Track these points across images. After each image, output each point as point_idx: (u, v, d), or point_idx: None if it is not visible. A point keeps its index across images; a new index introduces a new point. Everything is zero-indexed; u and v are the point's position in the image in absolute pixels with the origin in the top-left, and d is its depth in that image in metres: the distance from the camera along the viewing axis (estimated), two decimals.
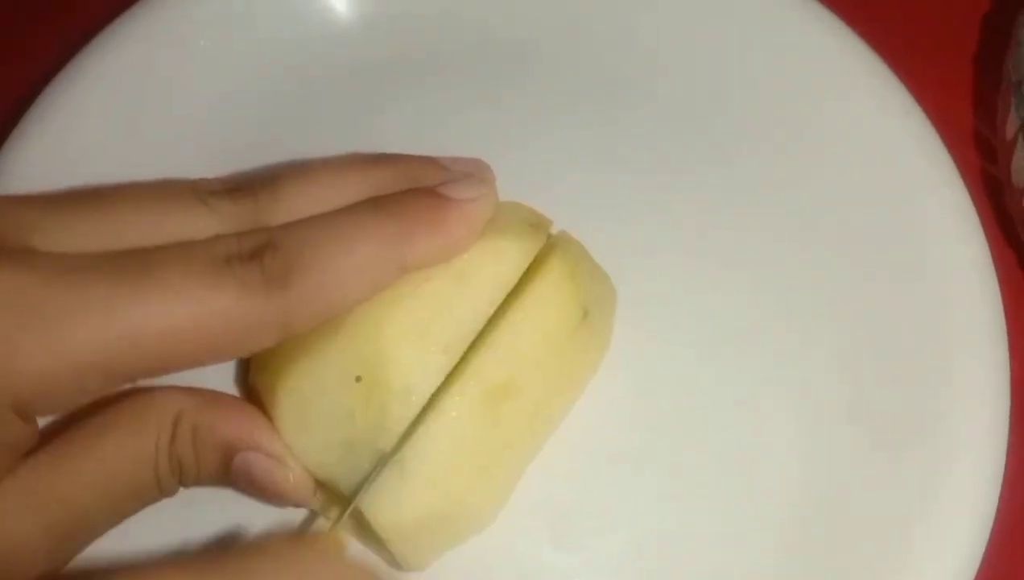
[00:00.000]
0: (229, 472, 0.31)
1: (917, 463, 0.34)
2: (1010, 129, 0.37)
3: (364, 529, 0.31)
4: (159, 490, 0.31)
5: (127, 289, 0.27)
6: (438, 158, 0.32)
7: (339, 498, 0.32)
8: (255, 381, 0.33)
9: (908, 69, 0.39)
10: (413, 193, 0.31)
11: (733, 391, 0.35)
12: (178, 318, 0.27)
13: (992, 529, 0.33)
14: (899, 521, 0.33)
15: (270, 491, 0.32)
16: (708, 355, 0.36)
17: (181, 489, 0.32)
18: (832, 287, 0.37)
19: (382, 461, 0.30)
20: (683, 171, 0.38)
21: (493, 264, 0.31)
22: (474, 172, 0.32)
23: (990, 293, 0.35)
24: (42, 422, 0.30)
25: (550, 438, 0.33)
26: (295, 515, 0.34)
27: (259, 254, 0.28)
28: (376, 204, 0.30)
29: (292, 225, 0.30)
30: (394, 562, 0.32)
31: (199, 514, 0.34)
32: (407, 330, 0.31)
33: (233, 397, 0.33)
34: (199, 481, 0.32)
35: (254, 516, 0.34)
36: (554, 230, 0.34)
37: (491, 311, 0.31)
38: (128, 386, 0.30)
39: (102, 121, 0.38)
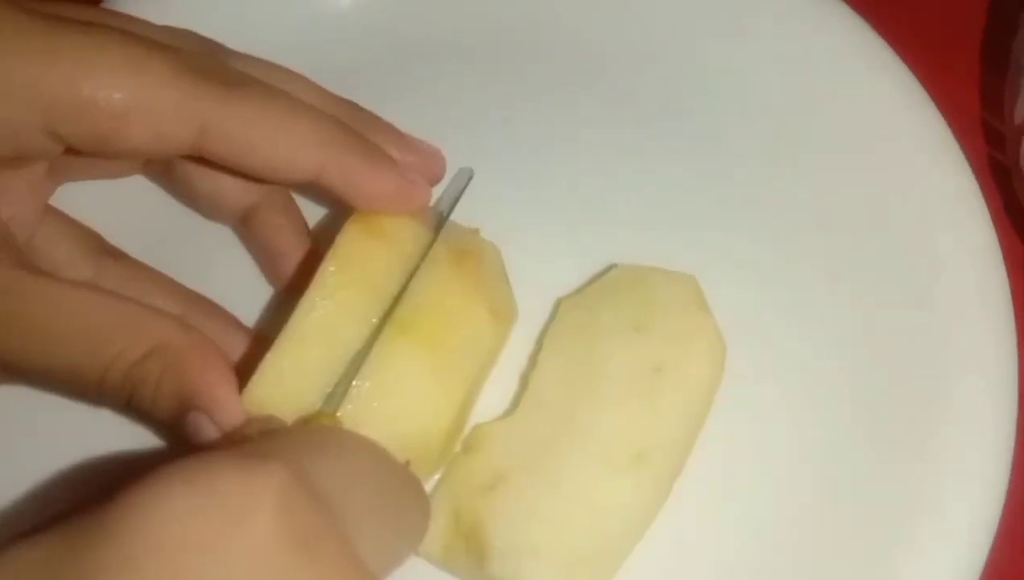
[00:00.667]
0: (181, 422, 0.30)
1: (924, 457, 0.34)
2: (1019, 114, 0.37)
3: None
4: (98, 393, 0.30)
5: (66, 41, 0.29)
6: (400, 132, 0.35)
7: None
8: None
9: (915, 57, 0.39)
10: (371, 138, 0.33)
11: (735, 386, 0.35)
12: (115, 75, 0.29)
13: (998, 527, 0.33)
14: (904, 520, 0.33)
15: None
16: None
17: None
18: (837, 276, 0.36)
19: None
20: (680, 159, 0.38)
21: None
22: (426, 157, 0.34)
23: (998, 279, 0.35)
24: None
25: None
26: None
27: (211, 63, 0.31)
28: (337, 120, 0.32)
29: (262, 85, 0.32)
30: None
31: None
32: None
33: (217, 350, 0.31)
34: (149, 414, 0.31)
35: None
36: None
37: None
38: None
39: None
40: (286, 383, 0.31)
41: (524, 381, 0.34)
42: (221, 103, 0.30)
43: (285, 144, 0.31)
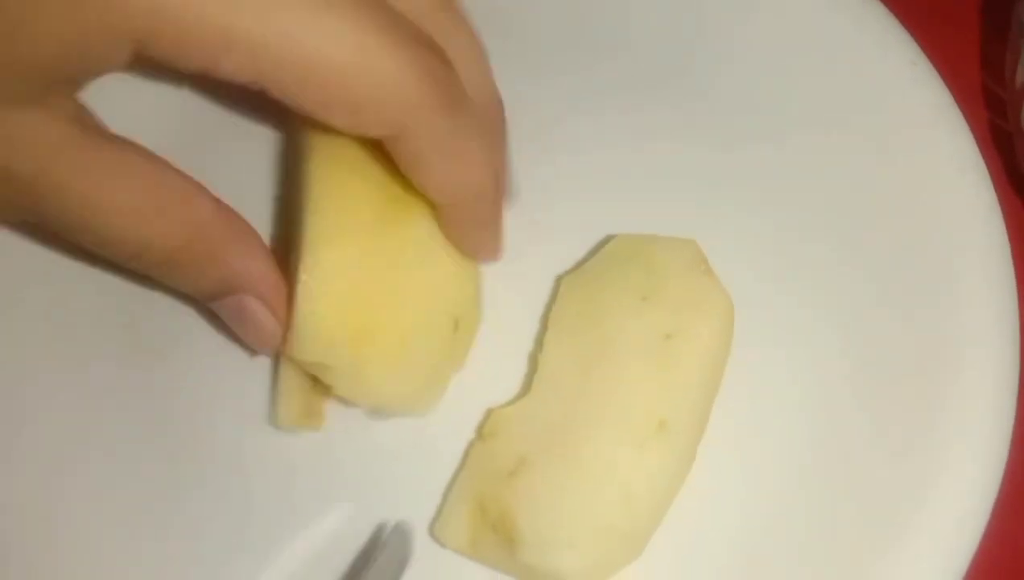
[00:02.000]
0: (219, 300, 0.32)
1: (925, 432, 0.33)
2: (1019, 80, 0.37)
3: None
4: (128, 262, 0.31)
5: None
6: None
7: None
8: None
9: (916, 23, 0.38)
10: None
11: (738, 369, 0.35)
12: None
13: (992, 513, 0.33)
14: (901, 503, 0.33)
15: (249, 331, 0.33)
16: None
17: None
18: (840, 245, 0.36)
19: None
20: (677, 132, 0.38)
21: None
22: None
23: (1000, 245, 0.35)
24: None
25: None
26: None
27: (439, 51, 0.29)
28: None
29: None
30: None
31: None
32: None
33: (257, 235, 0.33)
34: (179, 287, 0.33)
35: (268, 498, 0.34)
36: None
37: None
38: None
39: None
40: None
41: (533, 362, 0.34)
42: (425, 126, 0.29)
43: (464, 180, 0.31)
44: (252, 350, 0.35)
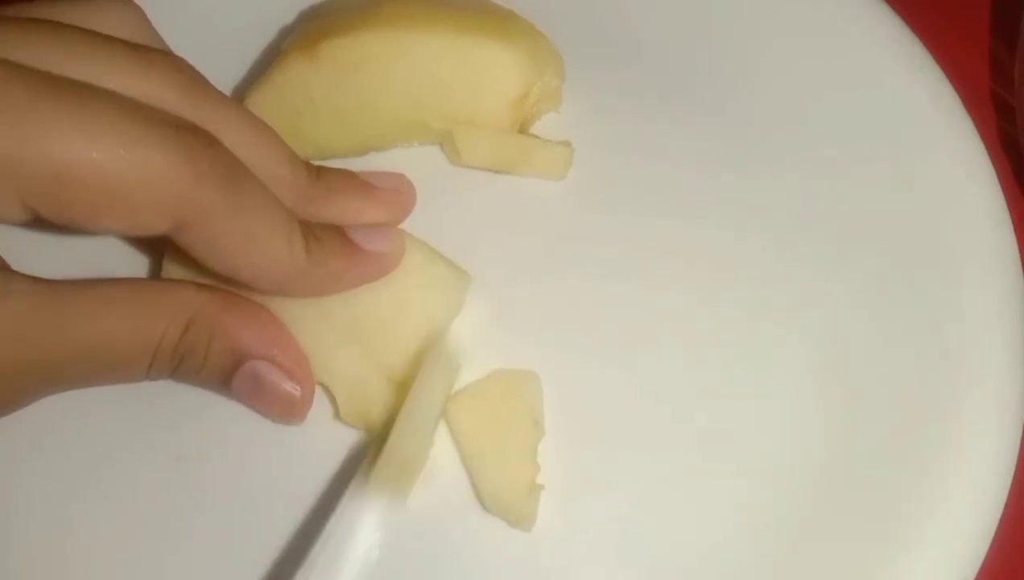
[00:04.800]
0: (232, 378, 0.32)
1: (938, 422, 0.33)
2: None
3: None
4: (146, 375, 0.32)
5: (61, 110, 0.26)
6: (361, 174, 0.34)
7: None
8: None
9: (924, 27, 0.38)
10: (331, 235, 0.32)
11: (744, 350, 0.35)
12: (103, 156, 0.27)
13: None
14: (908, 514, 0.32)
15: (268, 402, 0.32)
16: (717, 311, 0.35)
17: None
18: (846, 242, 0.36)
19: None
20: (693, 122, 0.38)
21: None
22: (393, 200, 0.34)
23: (1008, 250, 0.35)
24: None
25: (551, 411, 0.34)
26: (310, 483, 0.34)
27: (196, 130, 0.28)
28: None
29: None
30: None
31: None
32: None
33: (255, 303, 0.33)
34: (196, 380, 0.32)
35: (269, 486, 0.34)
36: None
37: None
38: None
39: None
40: None
41: None
42: (208, 211, 0.28)
43: (258, 260, 0.30)
44: (284, 423, 0.34)
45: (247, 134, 0.31)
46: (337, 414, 0.34)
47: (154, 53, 0.30)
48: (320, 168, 0.34)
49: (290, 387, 0.32)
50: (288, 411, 0.33)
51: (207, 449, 0.34)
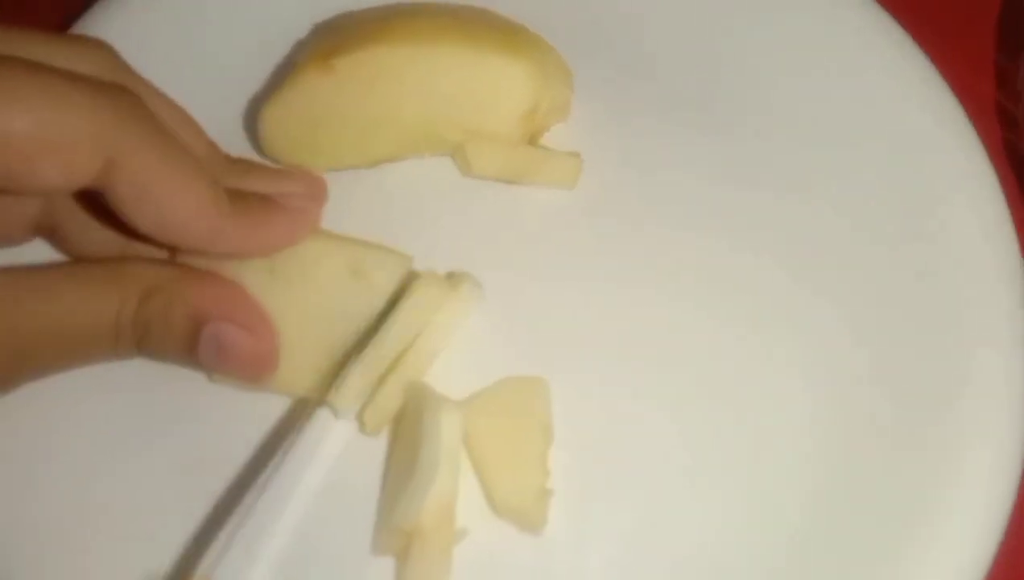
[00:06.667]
0: (196, 344, 0.32)
1: (938, 436, 0.34)
2: None
3: None
4: (115, 352, 0.33)
5: None
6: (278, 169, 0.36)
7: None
8: None
9: (929, 40, 0.39)
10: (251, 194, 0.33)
11: (750, 359, 0.35)
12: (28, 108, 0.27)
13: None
14: (914, 515, 0.33)
15: (233, 362, 0.33)
16: (725, 322, 0.36)
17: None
18: (852, 257, 0.36)
19: None
20: (701, 134, 0.38)
21: None
22: (303, 177, 0.35)
23: (1012, 263, 0.35)
24: None
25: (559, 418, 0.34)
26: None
27: (120, 88, 0.30)
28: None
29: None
30: None
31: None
32: None
33: (211, 273, 0.34)
34: (162, 352, 0.33)
35: None
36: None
37: None
38: None
39: None
40: None
41: None
42: (136, 148, 0.29)
43: (183, 205, 0.30)
44: (251, 387, 0.34)
45: (170, 112, 0.33)
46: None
47: (88, 40, 0.32)
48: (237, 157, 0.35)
49: (252, 344, 0.33)
50: (256, 368, 0.33)
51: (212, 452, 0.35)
